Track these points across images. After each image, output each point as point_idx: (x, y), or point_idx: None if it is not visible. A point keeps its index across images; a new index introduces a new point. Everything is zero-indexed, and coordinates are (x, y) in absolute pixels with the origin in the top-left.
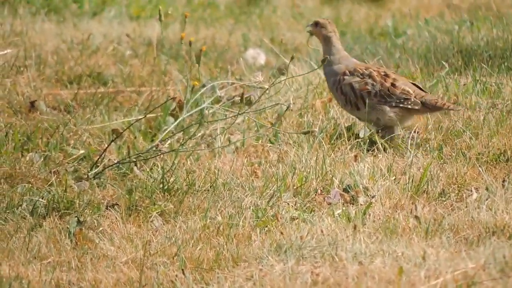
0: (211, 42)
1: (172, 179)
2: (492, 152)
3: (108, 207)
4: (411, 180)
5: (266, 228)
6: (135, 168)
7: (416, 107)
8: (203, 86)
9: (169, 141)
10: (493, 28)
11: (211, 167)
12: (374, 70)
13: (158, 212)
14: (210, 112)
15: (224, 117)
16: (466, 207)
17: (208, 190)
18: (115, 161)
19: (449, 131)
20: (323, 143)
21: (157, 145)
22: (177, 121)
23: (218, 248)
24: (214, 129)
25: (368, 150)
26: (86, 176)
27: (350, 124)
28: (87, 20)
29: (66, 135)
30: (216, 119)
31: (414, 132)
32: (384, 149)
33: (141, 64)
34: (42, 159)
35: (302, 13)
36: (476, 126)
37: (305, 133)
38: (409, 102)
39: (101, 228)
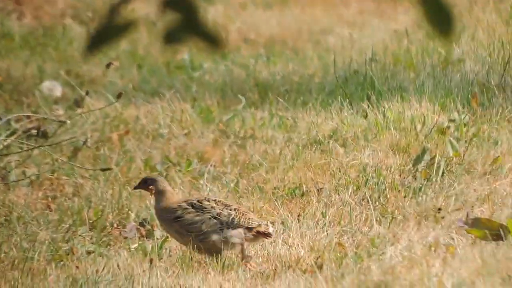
0: (6, 74)
1: None
2: (287, 186)
3: None
4: None
5: (61, 262)
6: None
7: None
8: None
9: None
10: (289, 63)
11: (5, 200)
12: None
13: None
14: (5, 145)
15: (20, 150)
16: (263, 241)
17: (3, 224)
18: None
19: (246, 165)
20: (120, 176)
21: None
22: None
23: (13, 282)
24: (9, 162)
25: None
26: None
27: (147, 157)
28: None
29: None
30: (11, 152)
31: (211, 165)
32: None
33: None
34: None
35: None
36: (272, 160)
37: (102, 170)
38: None
39: None
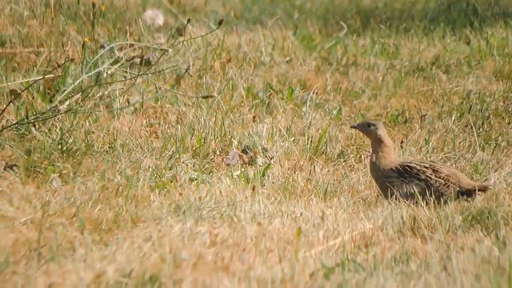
0: (109, 2)
1: (70, 140)
2: (390, 113)
3: (7, 168)
4: (309, 141)
5: (165, 189)
6: (33, 129)
7: None
8: (102, 47)
9: (67, 102)
10: None
11: (110, 128)
12: None
13: (57, 173)
14: (108, 73)
15: (123, 79)
16: (365, 168)
17: (107, 151)
18: (14, 122)
19: (348, 92)
20: (222, 104)
21: (56, 106)
22: (76, 82)
23: (117, 209)
24: (113, 90)
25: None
26: None
27: (249, 85)
28: None
29: None
30: (115, 80)
31: (313, 92)
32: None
33: (39, 25)
34: None
35: None
36: (374, 87)
37: (204, 97)
38: None
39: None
